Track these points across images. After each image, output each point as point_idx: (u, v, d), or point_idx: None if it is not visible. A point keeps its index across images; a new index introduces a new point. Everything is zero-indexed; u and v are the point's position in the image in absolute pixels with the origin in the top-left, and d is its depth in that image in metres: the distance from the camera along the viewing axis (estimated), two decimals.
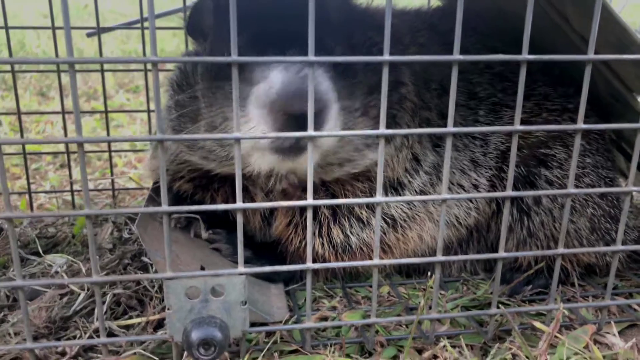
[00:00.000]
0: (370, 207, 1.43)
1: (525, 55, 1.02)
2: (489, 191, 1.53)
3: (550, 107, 1.57)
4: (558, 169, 1.51)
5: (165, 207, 0.98)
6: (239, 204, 1.01)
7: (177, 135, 1.31)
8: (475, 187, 1.52)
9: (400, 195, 1.44)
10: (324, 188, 1.41)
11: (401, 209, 1.44)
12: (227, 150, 1.32)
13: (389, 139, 1.38)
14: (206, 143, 1.35)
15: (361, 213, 1.42)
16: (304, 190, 1.37)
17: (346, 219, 1.43)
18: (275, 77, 1.12)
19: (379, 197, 1.06)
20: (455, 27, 0.97)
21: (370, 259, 1.42)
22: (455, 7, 0.95)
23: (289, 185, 1.40)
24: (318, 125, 1.12)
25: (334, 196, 1.41)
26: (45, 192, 2.11)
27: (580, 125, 1.09)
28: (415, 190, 1.45)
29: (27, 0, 7.31)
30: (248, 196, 1.44)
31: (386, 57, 0.97)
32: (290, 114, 1.10)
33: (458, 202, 1.52)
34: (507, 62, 1.57)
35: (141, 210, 1.03)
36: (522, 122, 1.08)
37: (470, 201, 1.52)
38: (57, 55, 1.81)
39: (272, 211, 1.50)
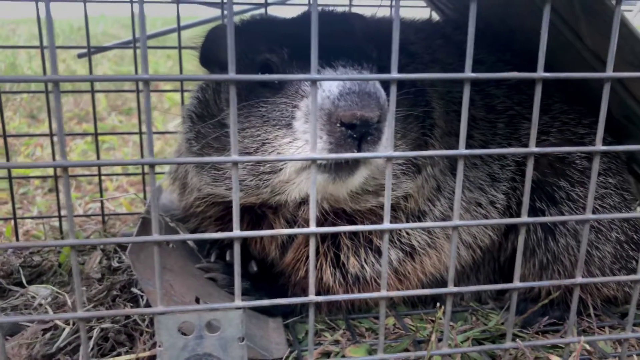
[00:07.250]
0: (391, 237, 1.33)
1: (541, 73, 0.96)
2: (505, 206, 1.45)
3: (565, 120, 1.51)
4: (579, 185, 1.41)
5: (155, 236, 0.90)
6: (236, 232, 0.93)
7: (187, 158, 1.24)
8: (492, 203, 1.44)
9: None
10: (346, 217, 1.31)
11: (421, 237, 1.36)
12: (261, 179, 1.21)
13: (419, 170, 1.32)
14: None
15: (380, 243, 1.33)
16: (335, 217, 1.30)
17: (363, 248, 1.34)
18: (329, 85, 1.01)
19: (386, 224, 0.98)
20: (467, 45, 0.91)
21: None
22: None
23: (320, 213, 1.30)
24: (377, 137, 1.04)
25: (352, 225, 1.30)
26: (32, 217, 2.02)
27: (599, 147, 1.02)
28: (436, 217, 1.37)
29: (20, 22, 7.29)
30: (267, 224, 1.35)
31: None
32: (351, 123, 0.99)
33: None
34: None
35: (130, 240, 0.95)
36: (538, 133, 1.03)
37: (486, 218, 1.43)
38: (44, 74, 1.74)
39: (292, 240, 1.40)
